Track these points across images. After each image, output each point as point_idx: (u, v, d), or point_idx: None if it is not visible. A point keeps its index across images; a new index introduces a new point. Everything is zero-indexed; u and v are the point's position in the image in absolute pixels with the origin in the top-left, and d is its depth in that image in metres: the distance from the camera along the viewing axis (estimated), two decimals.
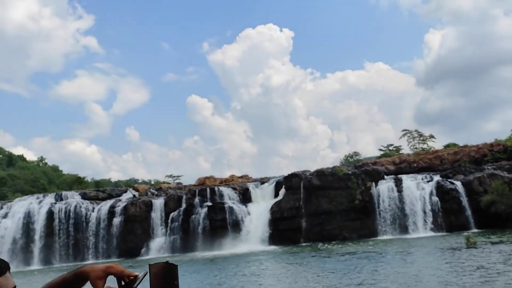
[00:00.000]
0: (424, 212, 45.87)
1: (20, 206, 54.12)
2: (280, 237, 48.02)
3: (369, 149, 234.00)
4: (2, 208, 54.68)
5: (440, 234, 43.20)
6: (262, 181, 56.76)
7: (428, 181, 47.77)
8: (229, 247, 46.58)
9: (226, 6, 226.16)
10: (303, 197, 49.33)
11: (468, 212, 44.76)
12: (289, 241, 47.52)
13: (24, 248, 51.38)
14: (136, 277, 1.78)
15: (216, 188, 52.47)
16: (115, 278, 1.79)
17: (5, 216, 53.13)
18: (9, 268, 1.72)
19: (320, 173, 50.50)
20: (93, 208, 52.87)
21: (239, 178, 60.36)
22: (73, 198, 55.16)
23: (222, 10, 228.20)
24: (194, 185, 57.73)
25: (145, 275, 1.77)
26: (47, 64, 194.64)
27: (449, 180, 47.06)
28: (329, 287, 20.78)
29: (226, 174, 61.93)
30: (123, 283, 1.79)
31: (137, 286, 1.74)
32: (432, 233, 44.08)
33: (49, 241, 51.43)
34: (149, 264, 1.76)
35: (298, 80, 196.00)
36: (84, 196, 55.74)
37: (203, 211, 50.04)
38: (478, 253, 26.80)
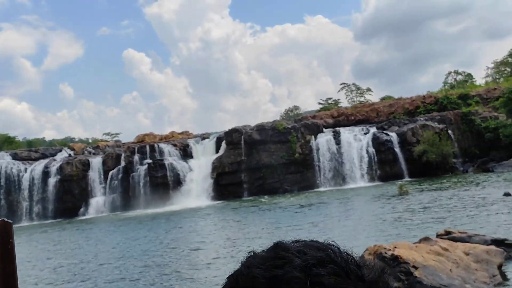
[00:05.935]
0: (361, 163, 47.43)
1: None
2: (222, 192, 48.27)
3: (309, 103, 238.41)
4: None
5: (375, 184, 44.95)
6: (203, 137, 56.27)
7: (365, 133, 49.17)
8: (172, 203, 46.32)
9: None
10: (244, 151, 49.52)
11: (402, 162, 46.76)
12: (231, 195, 47.87)
13: None
14: None
15: (155, 145, 51.55)
16: None
17: None
18: None
19: (260, 127, 50.72)
20: (25, 169, 50.62)
21: (180, 134, 59.45)
22: (3, 159, 52.31)
23: None
24: (133, 143, 56.34)
25: None
26: None
27: (384, 131, 48.67)
28: (270, 238, 21.08)
29: (167, 131, 60.69)
30: None
31: None
32: (368, 183, 45.77)
33: None
34: None
35: (238, 34, 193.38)
36: (15, 157, 53.13)
37: (143, 169, 49.19)
38: (409, 200, 28.19)
